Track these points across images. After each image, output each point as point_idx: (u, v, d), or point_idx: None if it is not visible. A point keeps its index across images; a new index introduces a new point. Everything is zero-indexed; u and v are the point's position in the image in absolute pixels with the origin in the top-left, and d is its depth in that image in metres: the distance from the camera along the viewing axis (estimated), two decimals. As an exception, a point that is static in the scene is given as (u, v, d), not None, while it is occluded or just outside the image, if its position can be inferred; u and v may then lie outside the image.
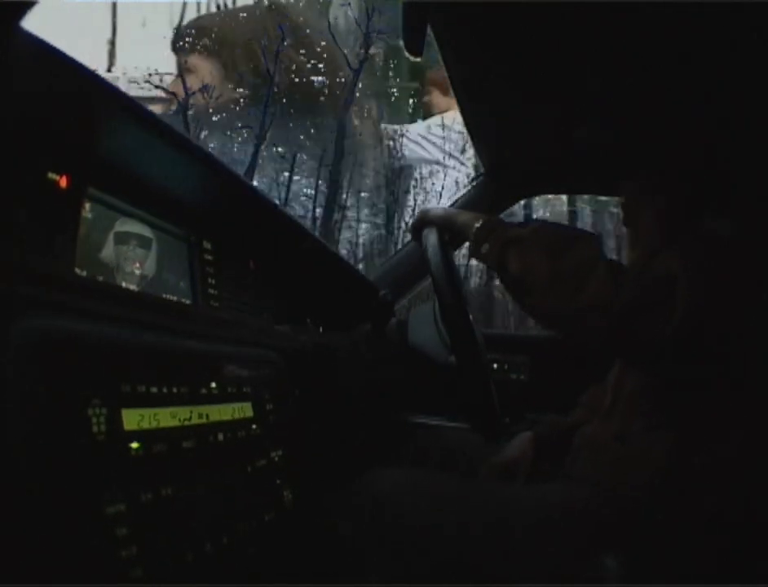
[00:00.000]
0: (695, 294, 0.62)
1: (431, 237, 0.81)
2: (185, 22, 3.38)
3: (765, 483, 0.67)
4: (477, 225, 0.76)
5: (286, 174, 3.13)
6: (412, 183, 3.48)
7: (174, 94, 2.90)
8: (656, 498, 0.68)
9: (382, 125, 3.68)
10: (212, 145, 3.00)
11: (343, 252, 3.18)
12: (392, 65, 3.78)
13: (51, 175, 0.56)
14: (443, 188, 3.39)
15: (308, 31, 3.35)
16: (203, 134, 3.00)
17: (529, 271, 0.67)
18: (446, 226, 0.82)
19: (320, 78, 3.33)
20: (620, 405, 0.80)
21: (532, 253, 0.68)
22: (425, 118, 3.70)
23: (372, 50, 3.26)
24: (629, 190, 0.91)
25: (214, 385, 0.62)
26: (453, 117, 3.21)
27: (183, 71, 3.10)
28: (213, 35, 3.31)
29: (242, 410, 0.66)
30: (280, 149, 3.13)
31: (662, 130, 1.03)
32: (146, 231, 0.70)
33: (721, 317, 0.66)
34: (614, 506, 0.70)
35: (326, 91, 3.33)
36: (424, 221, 0.87)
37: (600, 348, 0.74)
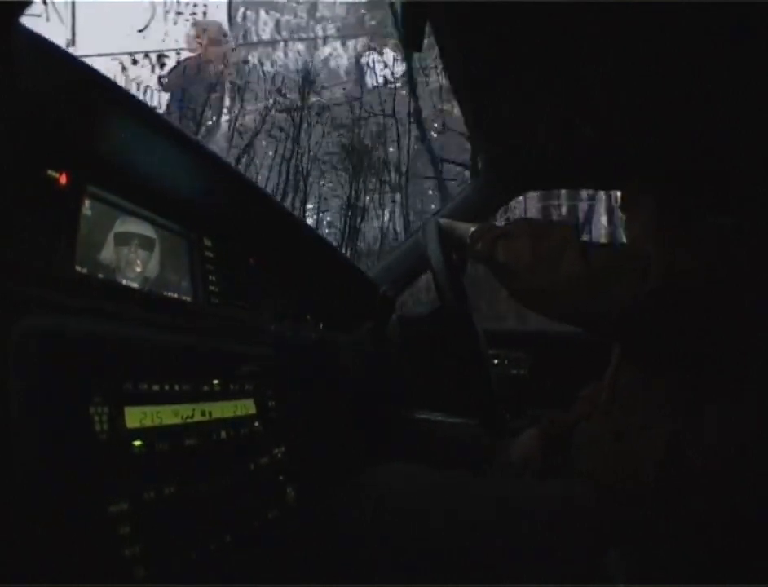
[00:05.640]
0: (669, 268, 0.67)
1: (432, 236, 0.85)
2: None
3: (761, 480, 0.67)
4: (473, 229, 0.86)
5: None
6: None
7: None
8: (653, 494, 0.68)
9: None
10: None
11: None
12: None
13: (50, 173, 0.55)
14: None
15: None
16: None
17: (514, 257, 0.76)
18: (447, 230, 0.90)
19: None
20: (617, 401, 0.81)
21: (516, 242, 0.77)
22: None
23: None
24: (628, 186, 0.93)
25: (215, 382, 0.62)
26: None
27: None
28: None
29: (244, 407, 0.66)
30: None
31: (661, 129, 1.03)
32: (148, 232, 0.70)
33: (711, 309, 0.68)
34: (611, 502, 0.70)
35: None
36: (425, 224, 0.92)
37: (579, 322, 0.78)
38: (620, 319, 0.70)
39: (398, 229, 5.08)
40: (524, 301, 0.79)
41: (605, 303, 0.69)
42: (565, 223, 0.86)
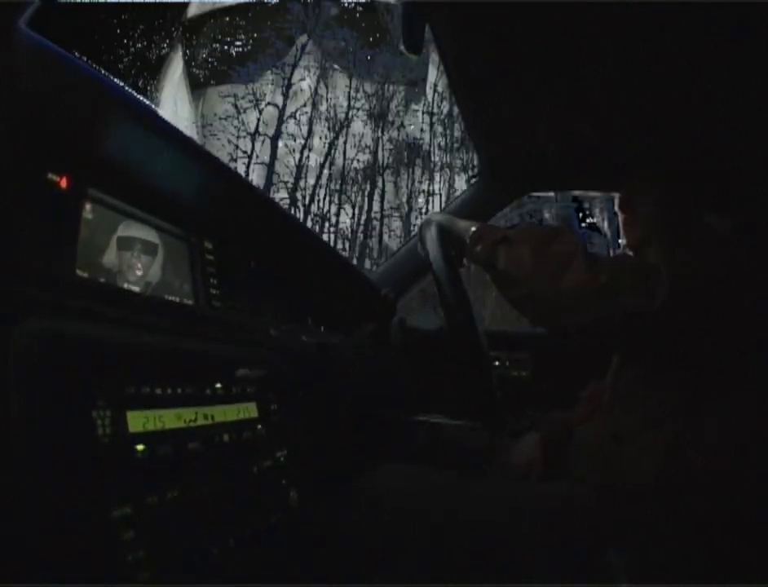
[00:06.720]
0: (677, 280, 0.67)
1: (432, 237, 0.83)
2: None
3: (761, 480, 0.67)
4: (473, 229, 0.83)
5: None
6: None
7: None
8: (653, 494, 0.68)
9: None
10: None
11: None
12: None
13: (51, 176, 0.55)
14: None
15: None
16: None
17: (515, 264, 0.73)
18: (446, 229, 0.87)
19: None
20: (617, 402, 0.80)
21: (518, 248, 0.74)
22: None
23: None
24: (626, 186, 0.93)
25: (218, 385, 0.62)
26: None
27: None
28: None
29: (247, 410, 0.66)
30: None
31: (661, 129, 1.03)
32: (151, 236, 0.70)
33: (711, 309, 0.68)
34: (611, 502, 0.70)
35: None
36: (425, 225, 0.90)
37: (581, 332, 0.78)
38: (626, 330, 0.69)
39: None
40: (524, 309, 0.77)
41: (612, 315, 0.68)
42: (568, 231, 0.82)
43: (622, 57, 0.92)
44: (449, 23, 0.91)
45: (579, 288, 0.68)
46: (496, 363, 1.51)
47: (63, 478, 0.42)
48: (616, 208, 0.94)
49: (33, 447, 0.41)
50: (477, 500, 0.75)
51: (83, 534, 0.42)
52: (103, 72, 0.55)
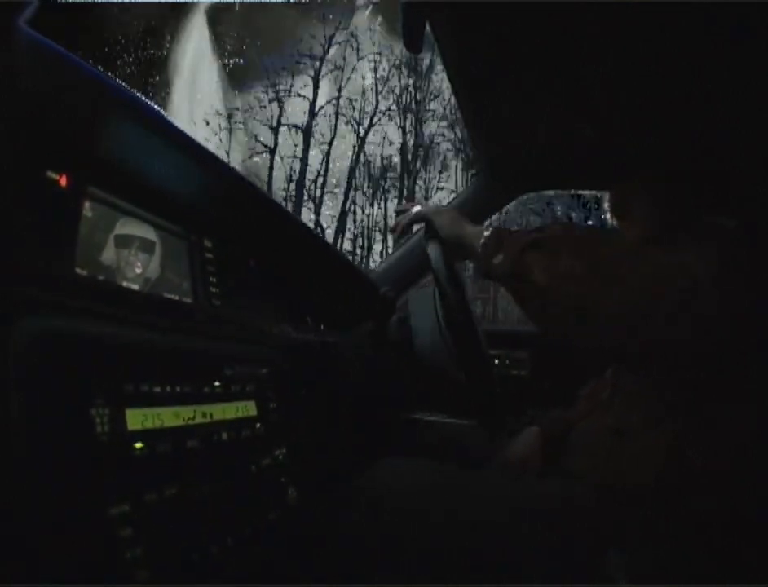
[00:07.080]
0: (723, 295, 0.62)
1: (435, 251, 0.80)
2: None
3: (761, 480, 0.66)
4: (486, 233, 0.70)
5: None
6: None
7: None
8: (653, 494, 0.68)
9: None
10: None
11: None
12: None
13: (51, 174, 0.55)
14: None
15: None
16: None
17: (558, 278, 0.59)
18: (450, 238, 0.78)
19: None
20: (618, 399, 0.80)
21: (562, 257, 0.59)
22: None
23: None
24: (618, 188, 0.91)
25: (217, 383, 0.62)
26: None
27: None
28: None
29: (246, 409, 0.66)
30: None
31: (661, 129, 1.03)
32: (149, 234, 0.70)
33: (735, 313, 0.67)
34: (611, 502, 0.70)
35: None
36: (425, 224, 0.87)
37: (647, 353, 0.65)
38: (694, 345, 0.62)
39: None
40: (555, 327, 0.65)
41: (685, 330, 0.59)
42: (615, 229, 0.71)
43: (622, 57, 0.92)
44: (449, 23, 0.92)
45: (653, 297, 0.58)
46: (496, 361, 1.51)
47: (62, 477, 0.42)
48: (610, 210, 0.93)
49: (33, 447, 0.41)
50: (477, 500, 0.75)
51: (82, 532, 0.42)
52: (103, 71, 0.55)
